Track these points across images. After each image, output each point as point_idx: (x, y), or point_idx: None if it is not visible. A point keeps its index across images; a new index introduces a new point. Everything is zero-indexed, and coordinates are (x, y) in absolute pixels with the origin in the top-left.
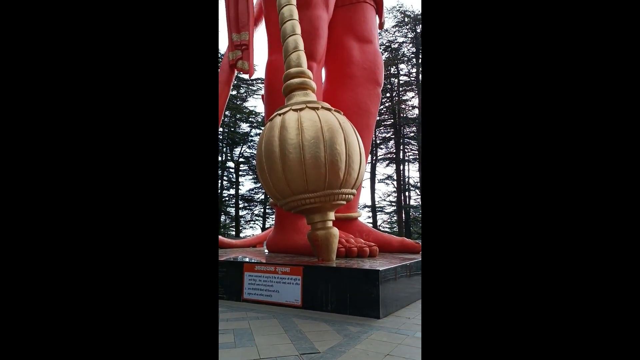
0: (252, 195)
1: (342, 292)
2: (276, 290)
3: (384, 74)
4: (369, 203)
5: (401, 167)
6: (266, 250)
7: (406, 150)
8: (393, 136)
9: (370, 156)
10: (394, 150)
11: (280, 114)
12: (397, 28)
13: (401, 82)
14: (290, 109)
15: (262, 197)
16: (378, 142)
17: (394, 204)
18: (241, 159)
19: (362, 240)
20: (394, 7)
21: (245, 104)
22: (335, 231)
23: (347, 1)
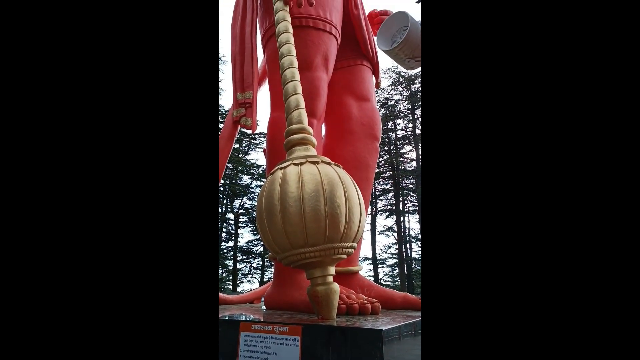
0: (251, 247)
1: (343, 354)
2: (273, 353)
3: (382, 129)
4: (370, 255)
5: (401, 218)
6: (264, 307)
7: (405, 201)
8: (392, 188)
9: (370, 207)
10: (394, 202)
11: (281, 168)
12: (392, 87)
13: (398, 136)
14: (291, 163)
15: (261, 249)
16: (377, 193)
17: (395, 256)
18: (241, 210)
19: (364, 296)
20: (389, 68)
21: (248, 157)
22: (336, 287)
23: (345, 64)
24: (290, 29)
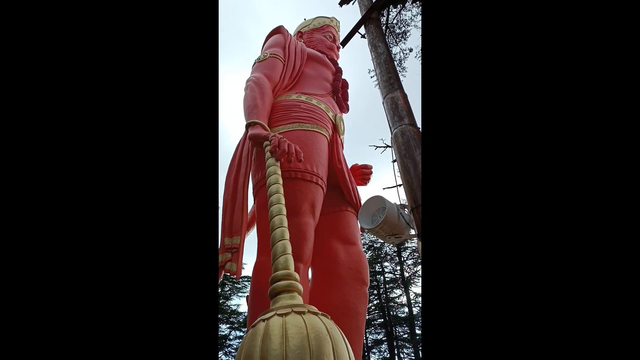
0: None
1: None
2: None
3: (370, 272)
4: None
5: None
6: None
7: (402, 354)
8: (385, 338)
9: None
10: (388, 356)
11: (264, 320)
12: None
13: (387, 279)
14: (275, 313)
15: None
16: (369, 344)
17: None
18: None
19: None
20: None
21: (229, 302)
22: None
23: (331, 209)
24: (280, 181)
